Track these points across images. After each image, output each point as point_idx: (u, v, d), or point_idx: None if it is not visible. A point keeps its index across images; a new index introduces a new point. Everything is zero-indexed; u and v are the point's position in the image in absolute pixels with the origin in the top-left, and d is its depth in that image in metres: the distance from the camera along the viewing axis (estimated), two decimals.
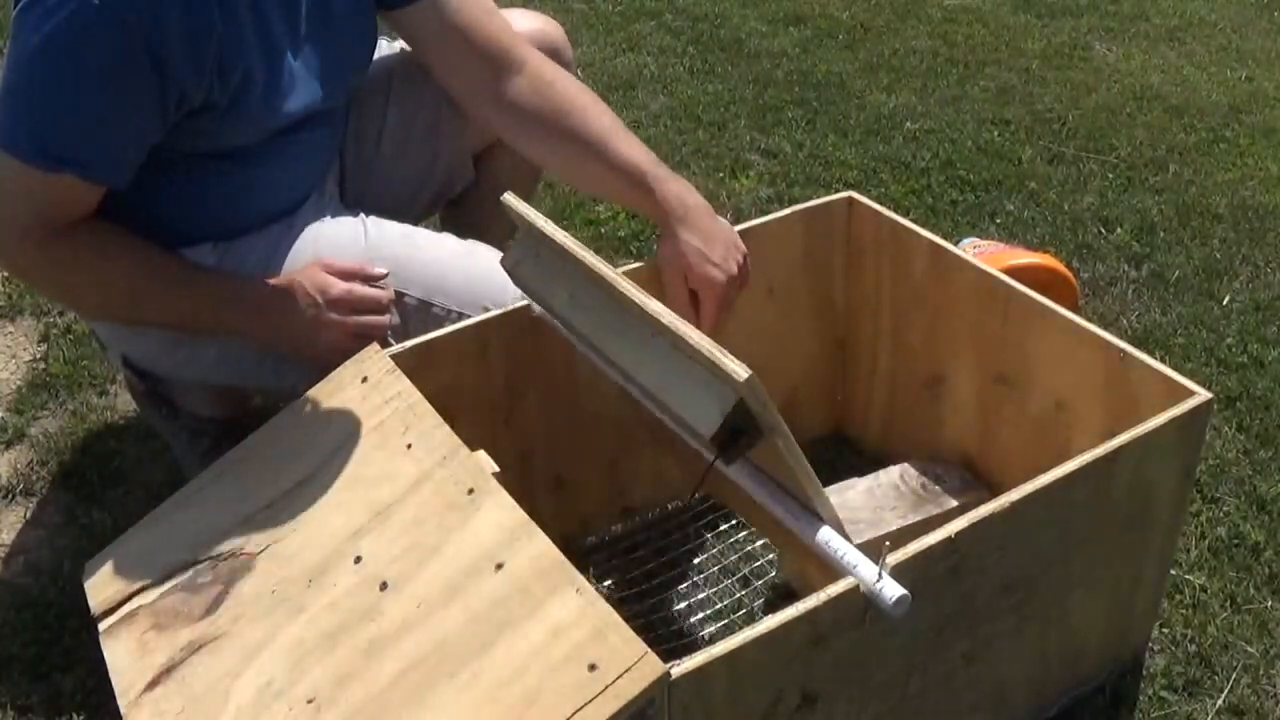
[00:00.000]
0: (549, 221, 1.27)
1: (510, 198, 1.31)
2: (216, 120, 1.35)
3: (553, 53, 1.62)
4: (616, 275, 1.16)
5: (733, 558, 1.58)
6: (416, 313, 1.48)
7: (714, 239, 1.43)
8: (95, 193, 1.33)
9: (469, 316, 1.44)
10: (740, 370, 1.01)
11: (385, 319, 1.41)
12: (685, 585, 1.54)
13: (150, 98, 1.27)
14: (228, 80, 1.32)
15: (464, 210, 1.76)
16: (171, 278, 1.40)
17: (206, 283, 1.42)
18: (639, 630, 0.97)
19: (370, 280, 1.41)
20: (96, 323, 1.55)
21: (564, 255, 1.23)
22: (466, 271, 1.51)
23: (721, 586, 1.54)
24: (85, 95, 1.25)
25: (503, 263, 1.37)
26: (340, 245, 1.49)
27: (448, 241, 1.56)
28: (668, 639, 1.42)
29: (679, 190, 1.44)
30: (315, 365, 1.38)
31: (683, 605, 1.51)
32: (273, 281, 1.42)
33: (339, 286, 1.39)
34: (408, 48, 1.59)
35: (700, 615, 1.50)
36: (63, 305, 1.47)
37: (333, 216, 1.53)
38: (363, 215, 1.55)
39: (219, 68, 1.30)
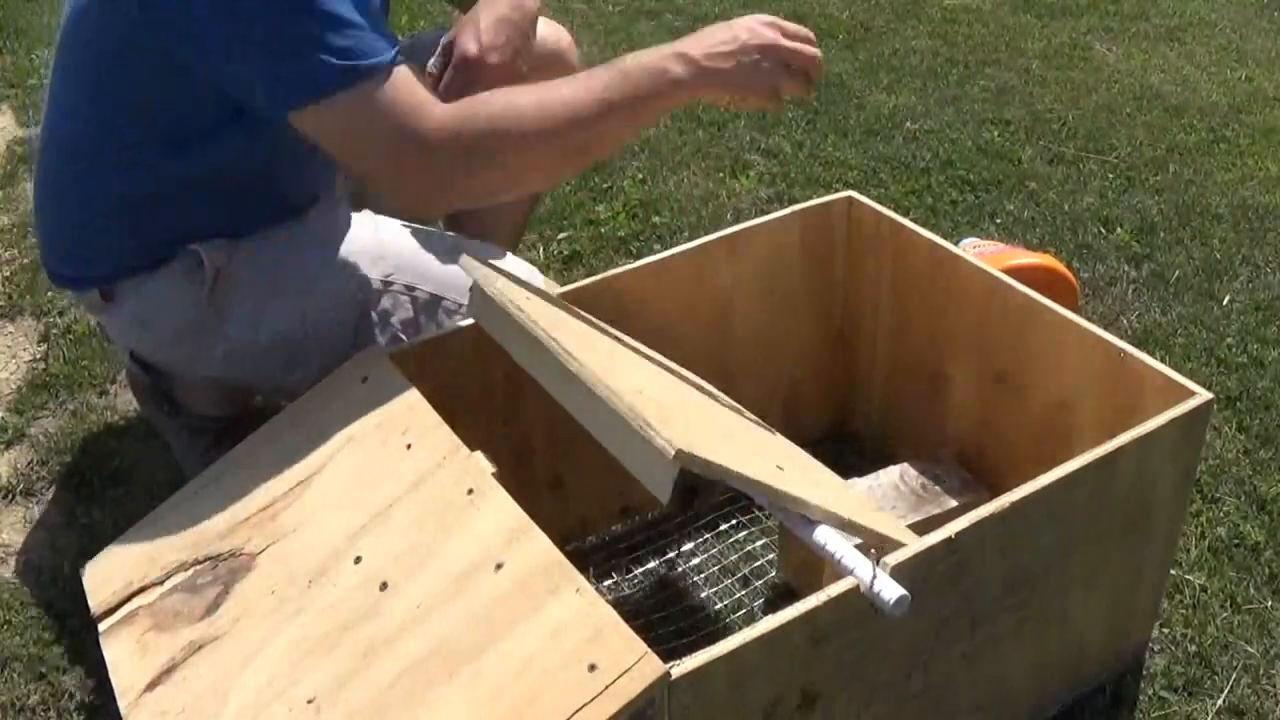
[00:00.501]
0: (500, 279, 1.28)
1: (467, 260, 1.31)
2: None
3: (558, 57, 1.63)
4: (557, 345, 1.15)
5: (733, 558, 1.58)
6: (427, 307, 1.48)
7: (500, 25, 1.46)
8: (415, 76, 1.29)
9: None
10: (668, 447, 1.00)
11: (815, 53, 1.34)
12: (685, 585, 1.54)
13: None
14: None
15: (466, 215, 1.76)
16: (577, 78, 1.32)
17: (616, 65, 1.32)
18: (639, 630, 0.97)
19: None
20: (108, 316, 1.53)
21: (508, 320, 1.23)
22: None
23: (721, 586, 1.54)
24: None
25: (467, 311, 1.36)
26: (352, 241, 1.49)
27: (450, 236, 1.57)
28: (668, 639, 1.42)
29: None
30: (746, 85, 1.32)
31: (682, 605, 1.51)
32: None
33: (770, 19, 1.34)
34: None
35: (700, 615, 1.50)
36: (505, 182, 1.34)
37: (344, 215, 1.53)
38: (369, 212, 1.55)
39: None
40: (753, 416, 1.41)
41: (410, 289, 1.48)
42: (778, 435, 1.40)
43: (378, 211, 1.58)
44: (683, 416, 1.14)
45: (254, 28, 1.20)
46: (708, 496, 1.06)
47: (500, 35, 1.46)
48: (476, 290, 1.31)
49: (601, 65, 1.31)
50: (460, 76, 1.46)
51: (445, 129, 1.25)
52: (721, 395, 1.44)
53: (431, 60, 1.50)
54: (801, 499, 1.08)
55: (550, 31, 1.67)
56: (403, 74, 1.25)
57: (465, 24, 1.48)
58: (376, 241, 1.50)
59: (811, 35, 1.35)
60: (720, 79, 1.30)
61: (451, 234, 1.60)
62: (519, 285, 1.32)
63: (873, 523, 1.12)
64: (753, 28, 1.31)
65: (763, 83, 1.31)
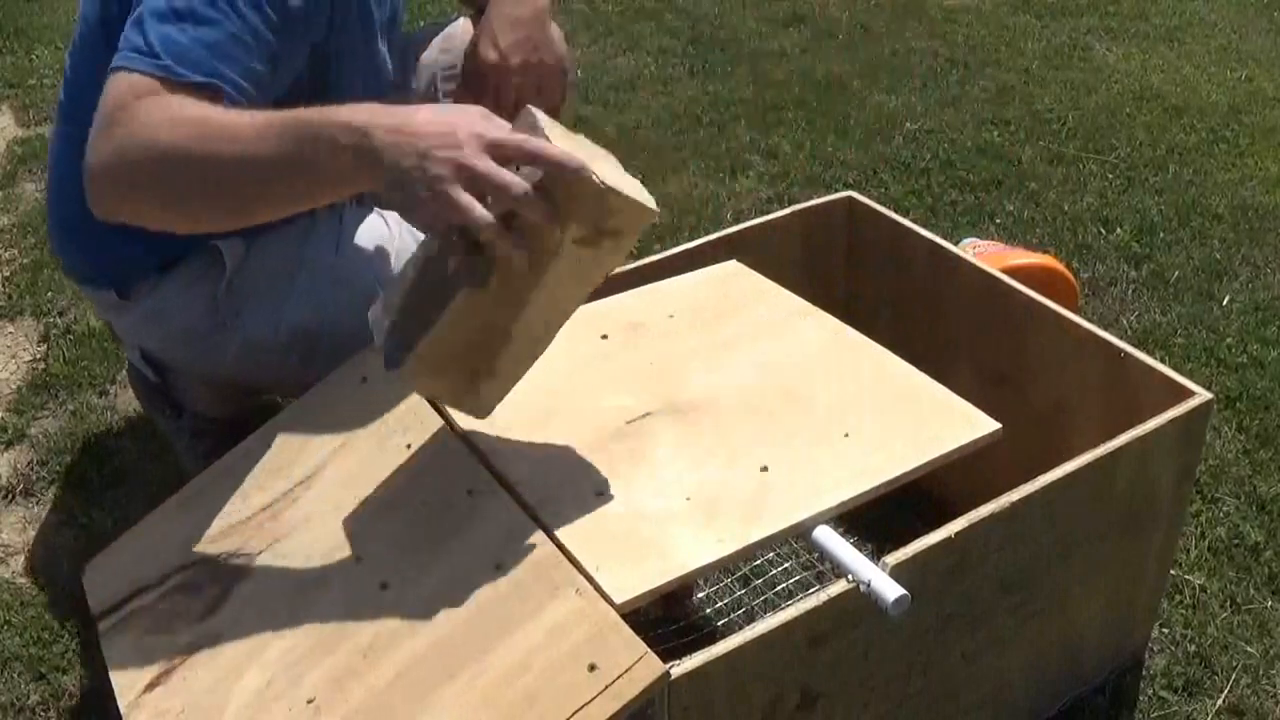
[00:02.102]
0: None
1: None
2: (325, 72, 1.34)
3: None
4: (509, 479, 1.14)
5: None
6: None
7: (516, 26, 1.45)
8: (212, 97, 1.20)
9: None
10: (615, 596, 1.00)
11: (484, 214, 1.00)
12: (685, 585, 1.54)
13: (310, 18, 1.26)
14: (346, 17, 1.33)
15: None
16: (276, 115, 1.12)
17: (292, 112, 1.11)
18: (638, 630, 0.97)
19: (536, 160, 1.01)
20: (119, 314, 1.52)
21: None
22: None
23: (721, 586, 1.54)
24: (249, 7, 1.19)
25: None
26: (366, 237, 1.49)
27: None
28: (668, 639, 1.42)
29: None
30: (417, 212, 1.04)
31: (683, 605, 1.51)
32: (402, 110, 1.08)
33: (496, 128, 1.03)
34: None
35: (700, 615, 1.50)
36: (135, 201, 1.17)
37: (355, 212, 1.54)
38: (378, 209, 1.55)
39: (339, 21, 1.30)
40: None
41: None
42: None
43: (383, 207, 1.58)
44: (647, 502, 1.11)
45: None
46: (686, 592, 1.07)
47: (517, 35, 1.47)
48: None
49: (288, 116, 1.09)
50: (487, 83, 1.47)
51: (103, 150, 1.13)
52: None
53: (452, 80, 1.50)
54: (763, 539, 1.07)
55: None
56: (165, 95, 1.13)
57: (480, 35, 1.48)
58: (390, 237, 1.50)
59: (517, 185, 0.99)
60: (380, 175, 1.03)
61: None
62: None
63: (939, 443, 1.15)
64: (453, 130, 1.01)
65: (427, 212, 1.02)
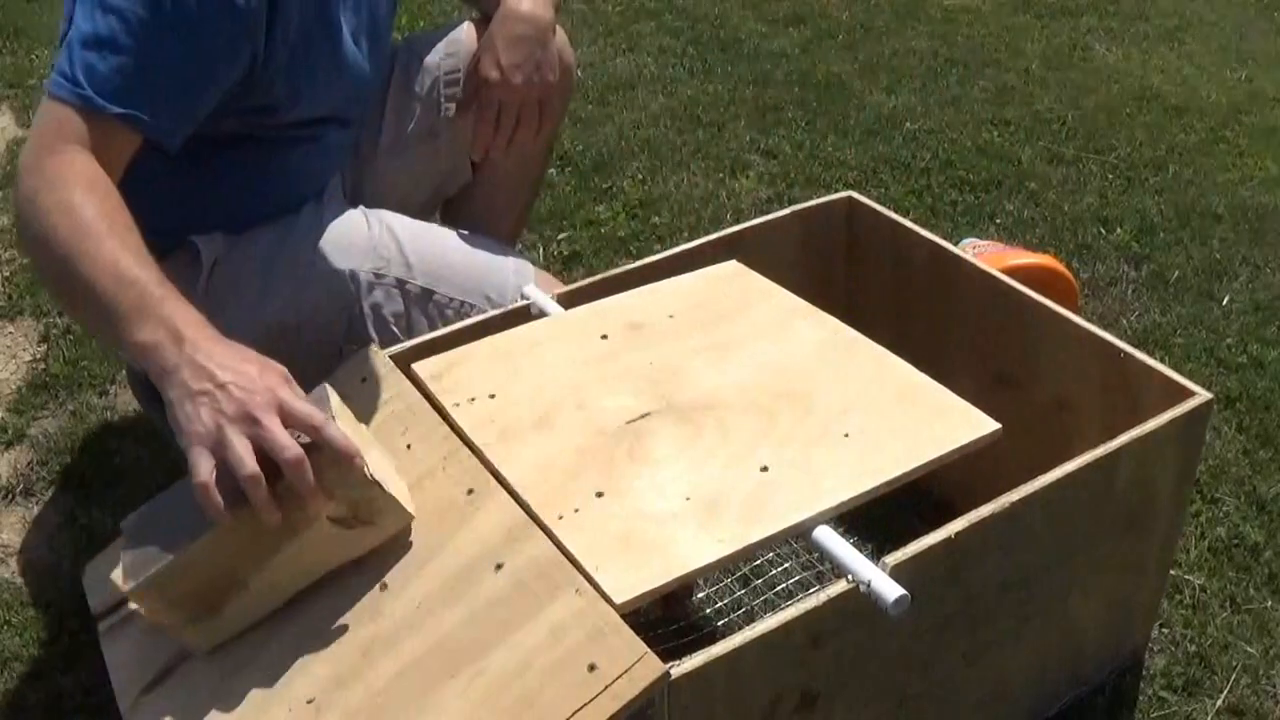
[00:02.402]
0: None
1: (417, 368, 1.22)
2: (275, 82, 1.34)
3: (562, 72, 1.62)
4: (505, 478, 1.15)
5: None
6: (419, 300, 1.48)
7: (519, 44, 1.45)
8: (127, 138, 1.22)
9: (471, 305, 1.45)
10: (614, 597, 1.00)
11: (256, 472, 0.99)
12: (685, 585, 1.54)
13: (229, 51, 1.26)
14: (290, 40, 1.32)
15: (460, 210, 1.76)
16: (126, 246, 1.12)
17: (153, 276, 1.11)
18: (638, 630, 0.97)
19: (322, 441, 1.02)
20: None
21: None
22: (469, 261, 1.52)
23: (721, 586, 1.54)
24: (169, 35, 1.20)
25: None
26: (345, 235, 1.49)
27: (450, 233, 1.57)
28: (668, 639, 1.42)
29: None
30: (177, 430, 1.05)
31: (683, 605, 1.51)
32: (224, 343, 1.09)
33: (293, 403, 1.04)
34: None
35: (700, 615, 1.50)
36: (36, 259, 1.20)
37: (338, 210, 1.54)
38: (364, 208, 1.55)
39: (285, 27, 1.30)
40: None
41: (401, 283, 1.49)
42: None
43: (371, 207, 1.58)
44: (648, 500, 1.10)
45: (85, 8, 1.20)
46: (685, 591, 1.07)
47: (519, 54, 1.47)
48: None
49: (140, 279, 1.09)
50: (488, 100, 1.48)
51: (28, 174, 1.16)
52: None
53: (455, 92, 1.51)
54: (764, 538, 1.07)
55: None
56: (83, 124, 1.17)
57: (483, 51, 1.48)
58: (369, 236, 1.50)
59: (292, 450, 0.99)
60: (172, 392, 1.04)
61: (446, 229, 1.60)
62: (484, 360, 1.30)
63: (939, 444, 1.16)
64: (253, 380, 1.03)
65: (193, 437, 1.01)
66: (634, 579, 1.02)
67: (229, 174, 1.43)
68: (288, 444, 1.00)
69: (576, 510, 1.09)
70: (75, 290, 1.11)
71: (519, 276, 1.52)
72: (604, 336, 1.34)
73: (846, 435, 1.18)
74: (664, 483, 1.12)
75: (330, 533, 1.07)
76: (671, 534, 1.07)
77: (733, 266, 1.48)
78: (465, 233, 1.59)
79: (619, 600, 0.99)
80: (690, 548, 1.05)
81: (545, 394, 1.24)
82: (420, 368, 1.29)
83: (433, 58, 1.63)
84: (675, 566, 1.03)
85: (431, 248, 1.52)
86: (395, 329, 1.46)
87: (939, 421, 1.19)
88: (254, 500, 1.00)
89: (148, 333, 1.06)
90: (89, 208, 1.13)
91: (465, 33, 1.63)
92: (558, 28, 1.71)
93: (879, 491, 1.13)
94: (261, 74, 1.33)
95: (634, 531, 1.07)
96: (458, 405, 1.24)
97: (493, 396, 1.24)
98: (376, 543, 1.11)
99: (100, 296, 1.08)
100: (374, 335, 1.45)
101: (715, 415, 1.22)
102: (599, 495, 1.11)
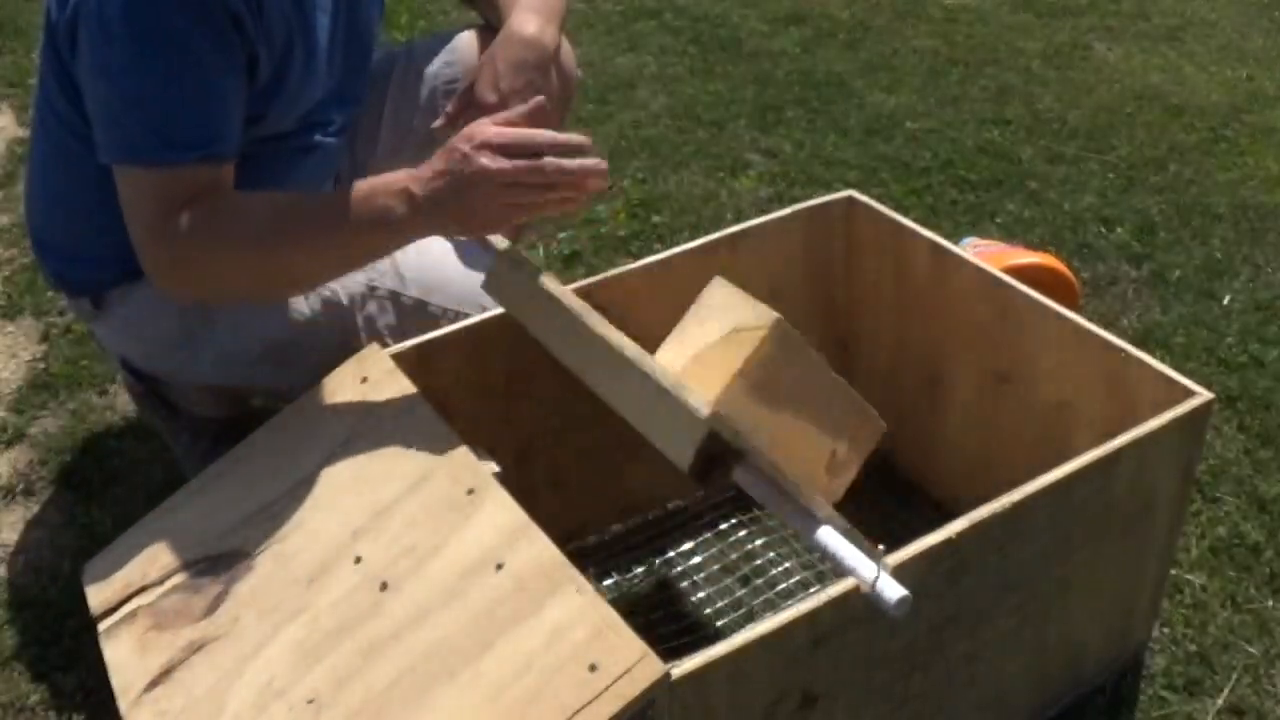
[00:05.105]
0: (520, 253, 1.29)
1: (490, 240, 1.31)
2: (261, 95, 1.34)
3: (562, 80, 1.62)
4: (586, 309, 1.17)
5: (733, 557, 1.58)
6: (413, 312, 1.48)
7: (520, 70, 1.44)
8: (219, 170, 1.30)
9: (465, 315, 1.44)
10: (702, 408, 1.02)
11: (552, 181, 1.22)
12: (685, 585, 1.54)
13: (236, 55, 1.27)
14: (275, 39, 1.32)
15: None
16: (312, 204, 1.33)
17: (346, 194, 1.27)
18: (639, 630, 0.97)
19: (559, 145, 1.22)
20: (98, 324, 1.53)
21: (535, 286, 1.23)
22: (465, 271, 1.51)
23: (721, 586, 1.54)
24: (184, 72, 1.23)
25: (484, 286, 1.35)
26: None
27: (445, 242, 1.56)
28: (668, 639, 1.42)
29: (522, 14, 1.47)
30: (482, 239, 1.30)
31: (683, 605, 1.51)
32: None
33: (490, 130, 1.22)
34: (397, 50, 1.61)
35: (700, 615, 1.50)
36: (221, 294, 1.37)
37: None
38: None
39: (268, 22, 1.30)
40: None
41: (395, 295, 1.48)
42: None
43: None
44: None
45: (98, 84, 1.26)
46: (722, 472, 1.07)
47: (519, 81, 1.44)
48: (502, 260, 1.31)
49: (332, 195, 1.31)
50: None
51: (169, 255, 1.28)
52: None
53: (449, 106, 1.50)
54: (808, 504, 1.08)
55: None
56: (176, 177, 1.26)
57: (482, 69, 1.46)
58: None
59: (544, 141, 1.21)
60: (443, 219, 1.24)
61: (440, 238, 1.59)
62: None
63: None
64: (464, 154, 1.20)
65: (490, 218, 1.23)
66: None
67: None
68: (531, 168, 1.20)
69: None
70: (314, 268, 1.31)
71: None
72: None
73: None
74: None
75: None
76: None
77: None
78: (459, 239, 1.58)
79: (713, 409, 1.03)
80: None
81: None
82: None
83: (432, 66, 1.63)
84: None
85: (424, 258, 1.52)
86: (389, 341, 1.46)
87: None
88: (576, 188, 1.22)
89: (379, 225, 1.24)
90: (247, 220, 1.28)
91: (465, 42, 1.63)
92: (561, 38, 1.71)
93: None
94: (256, 77, 1.33)
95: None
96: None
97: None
98: None
99: (340, 248, 1.28)
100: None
101: None
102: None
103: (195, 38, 1.22)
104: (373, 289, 1.48)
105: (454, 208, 1.21)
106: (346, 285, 1.48)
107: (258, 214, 1.29)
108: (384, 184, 1.25)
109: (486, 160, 1.19)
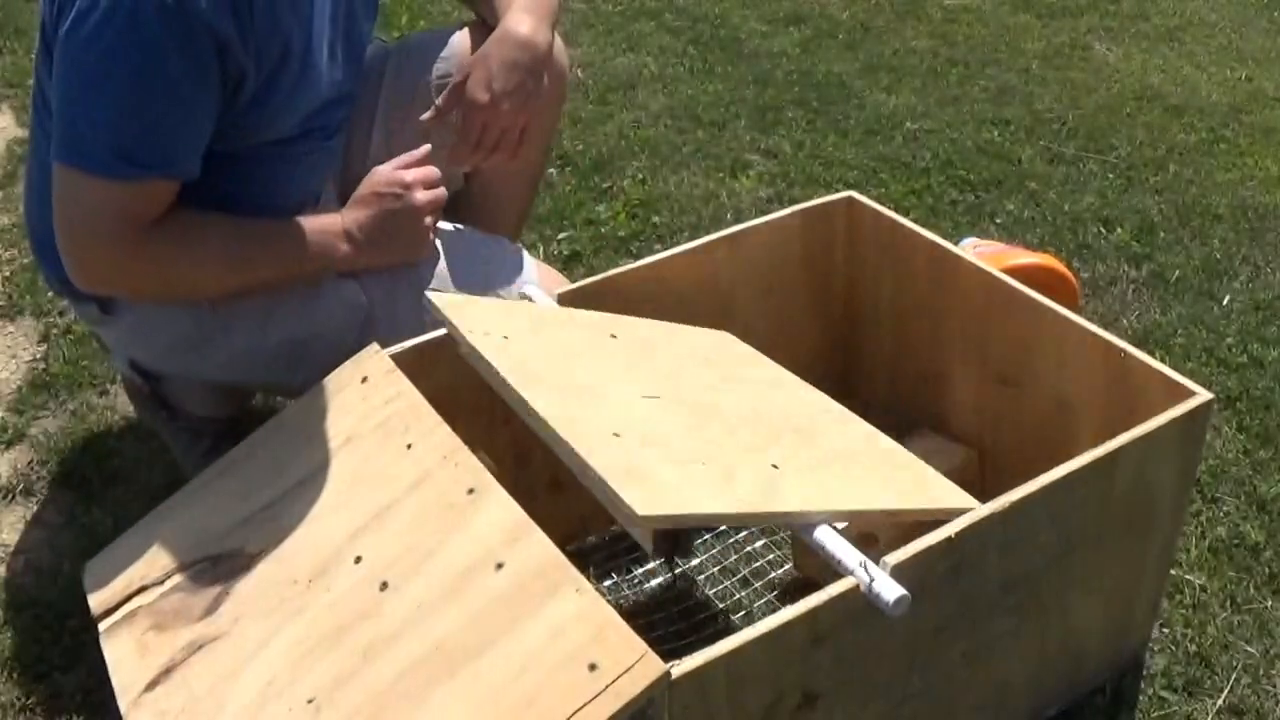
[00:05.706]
0: (472, 308, 1.30)
1: (432, 296, 1.32)
2: (250, 106, 1.34)
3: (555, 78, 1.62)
4: (523, 397, 1.15)
5: (733, 558, 1.58)
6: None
7: (512, 71, 1.46)
8: (175, 188, 1.33)
9: None
10: (634, 511, 0.99)
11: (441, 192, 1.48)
12: (685, 585, 1.54)
13: (211, 79, 1.27)
14: (267, 53, 1.32)
15: (460, 210, 1.76)
16: (262, 236, 1.42)
17: (294, 229, 1.43)
18: (639, 630, 0.97)
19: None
20: (105, 327, 1.53)
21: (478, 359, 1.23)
22: (471, 261, 1.52)
23: (721, 586, 1.54)
24: (155, 92, 1.24)
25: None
26: None
27: (453, 232, 1.57)
28: (668, 639, 1.42)
29: (517, 14, 1.49)
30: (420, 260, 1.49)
31: (682, 605, 1.51)
32: (350, 205, 1.47)
33: (409, 173, 1.45)
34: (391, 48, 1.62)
35: (700, 615, 1.50)
36: (169, 298, 1.44)
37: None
38: None
39: (259, 38, 1.30)
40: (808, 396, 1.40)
41: (413, 286, 1.48)
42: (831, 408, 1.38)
43: None
44: (665, 454, 1.11)
45: (70, 83, 1.27)
46: (686, 544, 1.08)
47: (511, 81, 1.45)
48: (449, 328, 1.29)
49: (281, 227, 1.43)
50: (472, 123, 1.47)
51: (116, 267, 1.35)
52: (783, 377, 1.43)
53: (439, 100, 1.50)
54: (782, 512, 1.08)
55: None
56: (138, 193, 1.30)
57: (475, 66, 1.47)
58: None
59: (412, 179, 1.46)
60: (373, 254, 1.46)
61: (456, 228, 1.59)
62: (496, 311, 1.31)
63: (930, 500, 1.14)
64: (385, 187, 1.45)
65: (413, 244, 1.47)
66: (670, 496, 1.02)
67: (217, 193, 1.42)
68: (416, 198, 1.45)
69: (595, 435, 1.10)
70: (240, 287, 1.43)
71: (522, 276, 1.52)
72: (613, 336, 1.35)
73: (849, 468, 1.19)
74: (679, 450, 1.12)
75: None
76: (693, 479, 1.07)
77: (726, 335, 1.50)
78: (467, 232, 1.58)
79: (643, 513, 0.99)
80: (711, 496, 1.06)
81: (554, 357, 1.25)
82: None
83: (426, 61, 1.63)
84: (704, 501, 1.04)
85: (441, 249, 1.52)
86: (407, 334, 1.46)
87: (934, 486, 1.23)
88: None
89: (323, 260, 1.44)
90: (203, 244, 1.37)
91: (460, 38, 1.62)
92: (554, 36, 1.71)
93: (881, 514, 1.16)
94: (240, 92, 1.33)
95: (654, 471, 1.07)
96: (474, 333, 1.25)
97: (506, 338, 1.26)
98: None
99: (278, 276, 1.43)
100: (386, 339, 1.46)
101: (723, 421, 1.22)
102: (615, 435, 1.11)
103: (173, 60, 1.23)
104: (392, 288, 1.49)
105: (385, 242, 1.45)
106: (362, 280, 1.48)
107: (212, 240, 1.37)
108: (324, 225, 1.43)
109: (420, 195, 1.45)
